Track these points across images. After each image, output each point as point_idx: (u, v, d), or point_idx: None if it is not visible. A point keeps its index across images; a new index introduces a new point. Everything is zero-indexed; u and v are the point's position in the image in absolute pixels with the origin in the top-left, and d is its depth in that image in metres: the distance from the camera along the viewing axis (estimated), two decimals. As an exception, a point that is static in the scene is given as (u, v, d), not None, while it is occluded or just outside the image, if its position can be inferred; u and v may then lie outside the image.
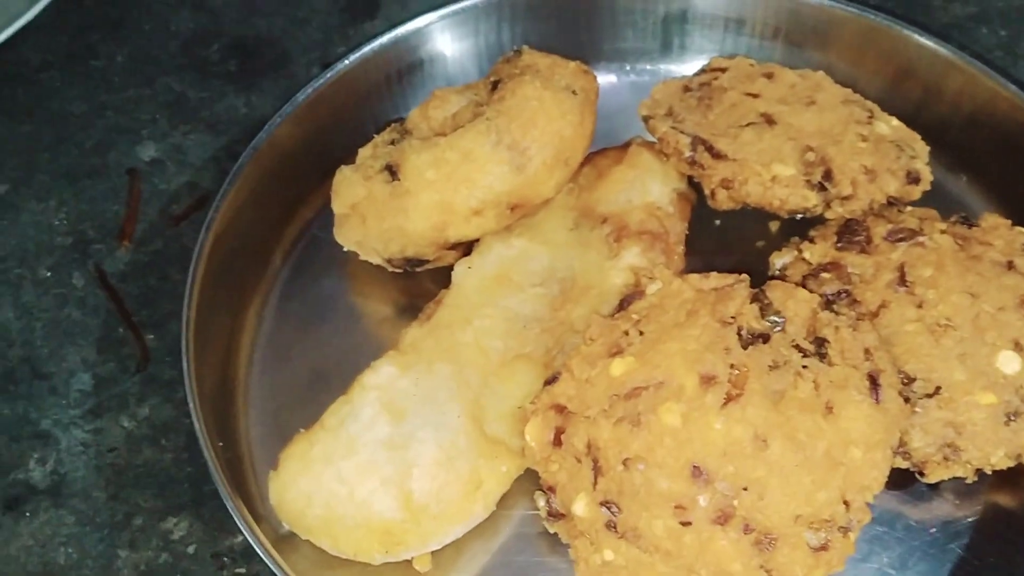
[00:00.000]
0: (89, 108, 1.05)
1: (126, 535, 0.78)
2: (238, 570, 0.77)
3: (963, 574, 0.74)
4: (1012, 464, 0.74)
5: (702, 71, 0.96)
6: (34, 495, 0.81)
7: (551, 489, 0.72)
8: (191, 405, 0.73)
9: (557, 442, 0.72)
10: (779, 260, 0.85)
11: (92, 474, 0.81)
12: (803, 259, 0.84)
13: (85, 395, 0.85)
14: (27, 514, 0.80)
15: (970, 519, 0.77)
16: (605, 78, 1.04)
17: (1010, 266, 0.80)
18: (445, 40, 1.00)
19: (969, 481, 0.75)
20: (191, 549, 0.78)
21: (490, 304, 0.80)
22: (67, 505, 0.80)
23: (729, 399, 0.68)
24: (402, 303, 0.89)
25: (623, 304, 0.77)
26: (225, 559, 0.77)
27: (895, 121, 0.91)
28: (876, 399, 0.70)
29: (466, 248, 0.85)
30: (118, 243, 0.95)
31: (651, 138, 0.90)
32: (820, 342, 0.72)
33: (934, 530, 0.76)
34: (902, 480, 0.76)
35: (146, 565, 0.77)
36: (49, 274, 0.93)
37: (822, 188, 0.83)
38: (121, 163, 1.01)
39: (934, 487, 0.77)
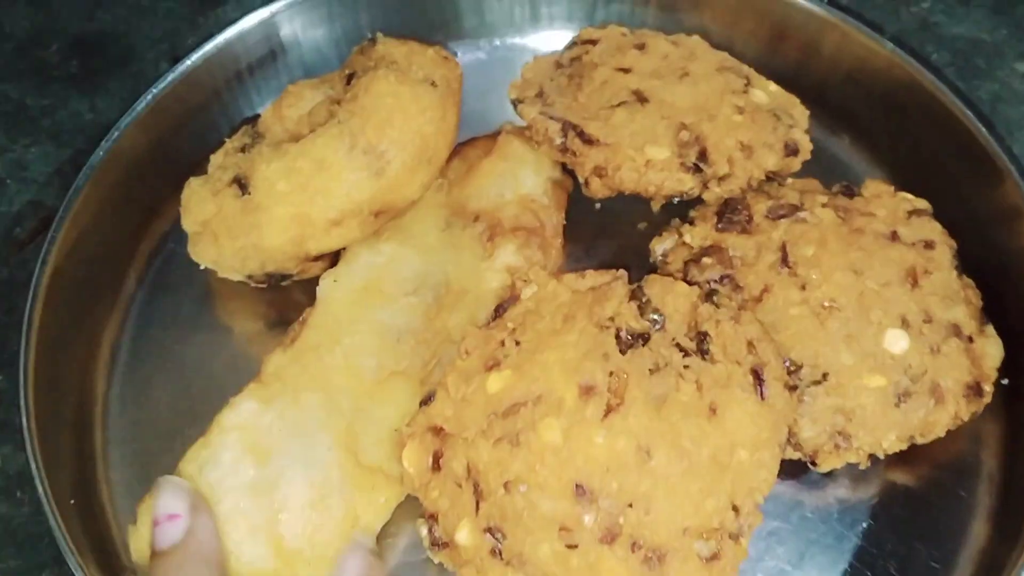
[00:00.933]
0: (-82, 125, 0.97)
1: (-16, 602, 0.73)
2: (108, 630, 0.72)
3: (861, 563, 0.73)
4: (904, 447, 0.72)
5: (573, 44, 0.92)
6: None
7: (432, 517, 0.68)
8: (32, 464, 0.67)
9: (436, 467, 0.68)
10: (660, 246, 0.82)
11: (-57, 536, 0.76)
12: (684, 243, 0.81)
13: (-69, 448, 0.79)
14: None
15: (868, 502, 0.75)
16: (473, 55, 1.00)
17: (894, 237, 0.78)
18: (298, 26, 0.94)
19: (862, 467, 0.73)
20: (57, 611, 0.73)
21: (360, 319, 0.75)
22: (-83, 574, 0.74)
23: (610, 410, 0.66)
24: (271, 318, 0.84)
25: (498, 311, 0.73)
26: (94, 619, 0.72)
27: (772, 86, 0.88)
28: (761, 395, 0.68)
29: (333, 258, 0.80)
30: (-41, 275, 0.88)
31: (522, 122, 0.85)
32: (702, 337, 0.70)
33: (832, 518, 0.75)
34: (794, 469, 0.74)
35: (8, 634, 0.72)
36: None
37: (697, 169, 0.79)
38: (-42, 185, 0.93)
39: (828, 474, 0.75)
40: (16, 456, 0.79)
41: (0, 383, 0.82)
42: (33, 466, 0.68)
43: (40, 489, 0.67)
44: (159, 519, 0.64)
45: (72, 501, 0.70)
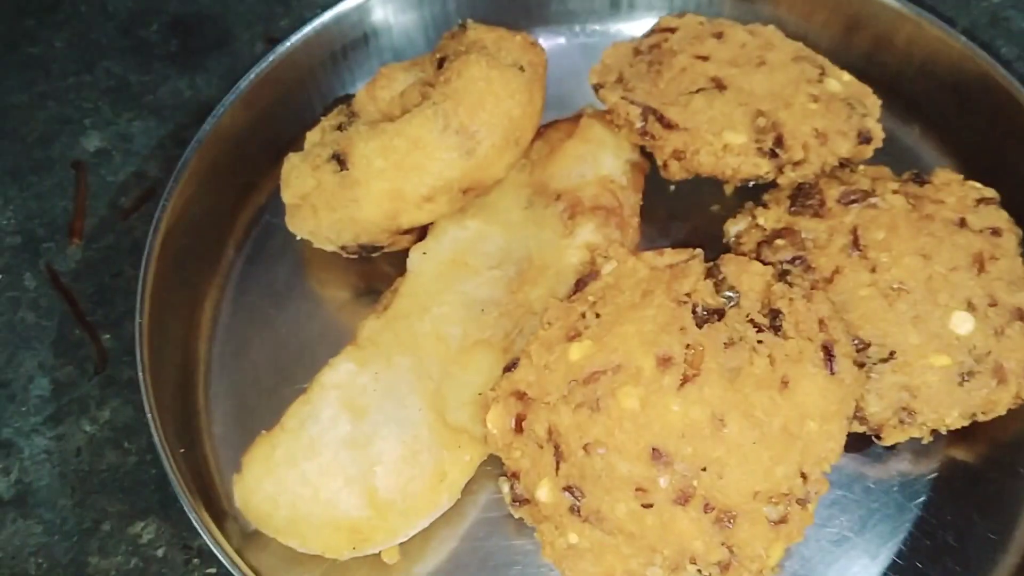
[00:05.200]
0: (29, 99, 1.03)
1: (95, 542, 0.78)
2: (208, 570, 0.78)
3: (921, 532, 0.76)
4: (966, 423, 0.75)
5: (652, 32, 0.94)
6: (0, 507, 0.81)
7: (514, 475, 0.72)
8: (149, 415, 0.73)
9: (519, 429, 0.72)
10: (734, 227, 0.85)
11: (57, 482, 0.81)
12: (757, 225, 0.84)
13: (45, 401, 0.85)
14: (-6, 526, 0.80)
15: (928, 476, 0.78)
16: (554, 41, 1.03)
17: (962, 223, 0.80)
18: (390, 11, 0.98)
19: (925, 442, 0.76)
20: (160, 552, 0.78)
21: (447, 290, 0.80)
22: (34, 515, 0.80)
23: (686, 380, 0.69)
24: (360, 287, 0.89)
25: (579, 285, 0.77)
26: (195, 560, 0.78)
27: (846, 76, 0.91)
28: (831, 370, 0.71)
29: (421, 232, 0.84)
30: (68, 240, 0.93)
31: (602, 105, 0.89)
32: (775, 314, 0.73)
33: (894, 489, 0.77)
34: (859, 443, 0.77)
35: (116, 571, 0.77)
36: (0, 276, 0.92)
37: (773, 155, 0.82)
38: (66, 155, 0.99)
39: (891, 447, 0.78)
40: (124, 410, 0.84)
41: (108, 342, 0.87)
42: (148, 416, 0.73)
43: (156, 437, 0.72)
44: None
45: (181, 450, 0.75)
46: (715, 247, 0.86)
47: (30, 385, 0.86)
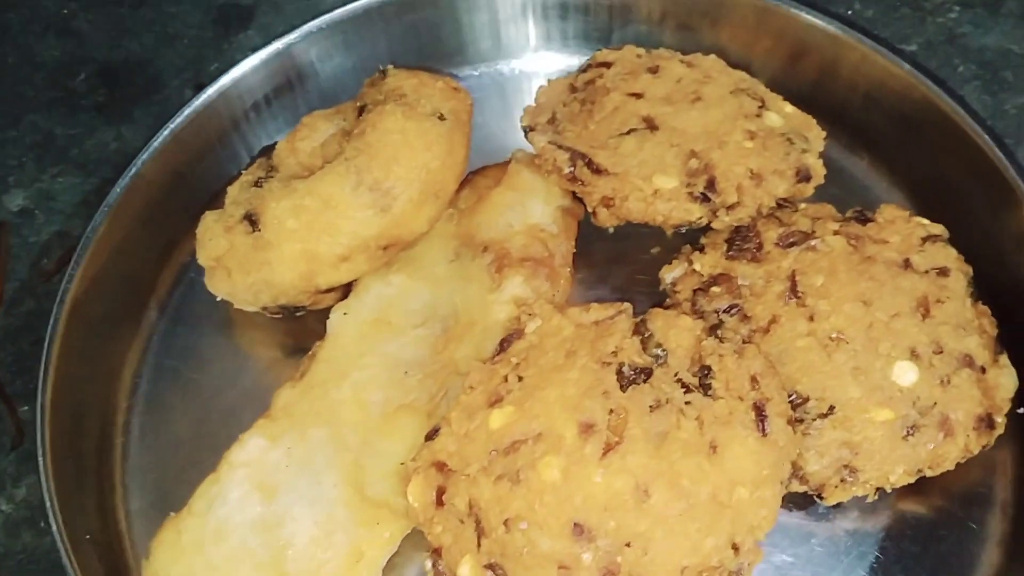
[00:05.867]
0: (-49, 155, 1.00)
1: (9, 631, 0.76)
2: (125, 661, 0.74)
3: (871, 597, 0.72)
4: (912, 480, 0.72)
5: (587, 67, 0.91)
6: (-90, 594, 0.78)
7: (437, 552, 0.69)
8: (48, 505, 0.69)
9: (439, 502, 0.69)
10: (669, 274, 0.82)
11: (-30, 566, 0.78)
12: (694, 271, 0.81)
13: (-42, 478, 0.82)
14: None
15: (877, 535, 0.75)
16: (490, 78, 1.00)
17: (906, 265, 0.77)
18: (315, 55, 0.95)
19: (870, 500, 0.72)
20: (79, 643, 0.75)
21: (369, 352, 0.77)
22: (-56, 605, 0.77)
23: (608, 448, 0.66)
24: (289, 345, 0.86)
25: (503, 345, 0.74)
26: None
27: (788, 107, 0.88)
28: (763, 432, 0.68)
29: (346, 289, 0.81)
30: (-13, 307, 0.90)
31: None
32: (705, 372, 0.70)
33: (841, 551, 0.74)
34: (803, 500, 0.74)
35: (30, 663, 0.74)
36: (-88, 346, 0.89)
37: (706, 199, 0.79)
38: (-12, 215, 0.96)
39: (836, 505, 0.74)
40: (39, 488, 0.79)
41: (25, 415, 0.84)
42: (48, 504, 0.70)
43: (54, 527, 0.69)
44: None
45: (88, 536, 0.72)
46: (654, 293, 0.83)
47: (-57, 461, 0.83)
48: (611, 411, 0.67)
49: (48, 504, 0.70)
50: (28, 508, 0.80)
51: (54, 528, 0.69)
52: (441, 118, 0.79)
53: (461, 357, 0.77)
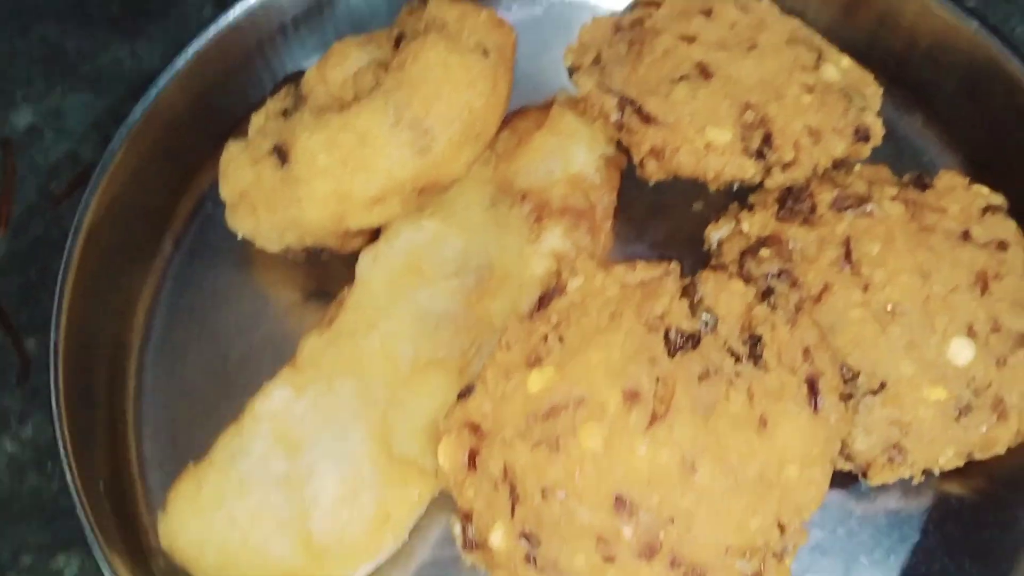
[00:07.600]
0: (-46, 67, 0.94)
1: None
2: (135, 610, 0.72)
3: (910, 578, 0.70)
4: (961, 463, 0.69)
5: (635, 5, 0.86)
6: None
7: (467, 516, 0.66)
8: (60, 448, 0.66)
9: (472, 465, 0.66)
10: (715, 234, 0.78)
11: (-26, 507, 0.75)
12: (741, 231, 0.77)
13: (-40, 414, 0.78)
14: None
15: (919, 516, 0.72)
16: (529, 12, 0.95)
17: (965, 236, 0.74)
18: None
19: (916, 482, 0.70)
20: (84, 589, 0.72)
21: (398, 302, 0.73)
22: (-52, 543, 0.74)
23: (654, 418, 0.63)
24: (310, 288, 0.82)
25: (542, 302, 0.70)
26: (121, 598, 0.72)
27: (846, 61, 0.83)
28: (815, 408, 0.65)
29: (374, 233, 0.77)
30: (-8, 230, 0.86)
31: (576, 90, 0.81)
32: (755, 342, 0.66)
33: (881, 531, 0.72)
34: (844, 477, 0.71)
35: (36, 608, 0.72)
36: (-88, 271, 0.85)
37: (760, 155, 0.75)
38: (-7, 132, 0.91)
39: (879, 485, 0.72)
40: (46, 427, 0.77)
41: (32, 348, 0.80)
42: (61, 447, 0.66)
43: (68, 473, 0.66)
44: None
45: (101, 482, 0.68)
46: (696, 250, 0.79)
47: (-55, 395, 0.79)
48: (658, 379, 0.64)
49: (61, 447, 0.66)
50: (34, 450, 0.77)
51: (68, 474, 0.66)
52: (485, 53, 0.74)
53: (496, 311, 0.73)
